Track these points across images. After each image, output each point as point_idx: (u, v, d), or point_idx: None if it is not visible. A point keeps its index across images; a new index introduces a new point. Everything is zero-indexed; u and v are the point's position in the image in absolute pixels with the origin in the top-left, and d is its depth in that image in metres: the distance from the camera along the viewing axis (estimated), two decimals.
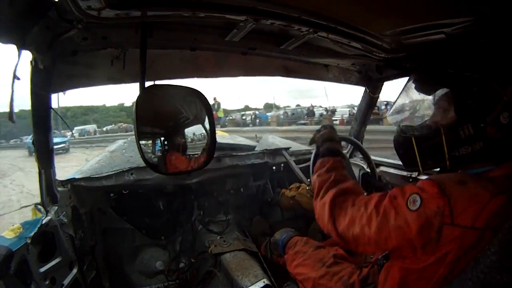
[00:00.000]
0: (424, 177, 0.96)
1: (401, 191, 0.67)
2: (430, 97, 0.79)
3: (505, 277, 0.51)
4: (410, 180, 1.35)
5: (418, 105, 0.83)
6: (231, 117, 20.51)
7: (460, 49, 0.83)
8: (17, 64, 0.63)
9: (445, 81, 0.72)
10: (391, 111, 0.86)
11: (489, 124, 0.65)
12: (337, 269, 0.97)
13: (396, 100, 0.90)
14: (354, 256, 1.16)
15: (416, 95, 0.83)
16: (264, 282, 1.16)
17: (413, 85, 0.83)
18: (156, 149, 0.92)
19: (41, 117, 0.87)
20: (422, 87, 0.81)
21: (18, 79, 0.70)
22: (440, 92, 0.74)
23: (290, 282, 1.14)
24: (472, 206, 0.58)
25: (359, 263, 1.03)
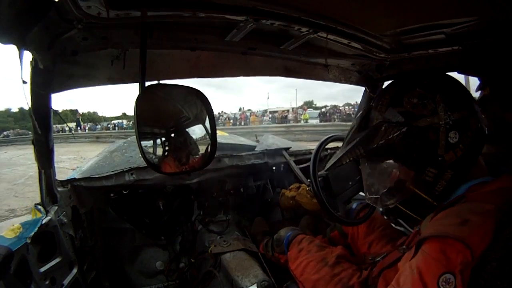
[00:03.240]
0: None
1: (424, 281, 0.59)
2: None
3: (505, 283, 0.51)
4: None
5: (378, 174, 0.80)
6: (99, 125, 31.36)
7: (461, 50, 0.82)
8: (21, 68, 0.63)
9: (383, 152, 0.71)
10: (366, 194, 0.83)
11: (444, 154, 0.65)
12: (338, 270, 0.97)
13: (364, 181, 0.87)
14: (356, 257, 1.16)
15: (372, 169, 0.81)
16: (264, 282, 1.16)
17: (365, 163, 0.81)
18: (157, 149, 0.92)
19: (41, 117, 0.87)
20: (372, 164, 0.78)
21: (25, 83, 0.71)
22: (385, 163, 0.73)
23: (290, 282, 1.13)
24: (484, 237, 0.56)
25: (360, 263, 1.03)
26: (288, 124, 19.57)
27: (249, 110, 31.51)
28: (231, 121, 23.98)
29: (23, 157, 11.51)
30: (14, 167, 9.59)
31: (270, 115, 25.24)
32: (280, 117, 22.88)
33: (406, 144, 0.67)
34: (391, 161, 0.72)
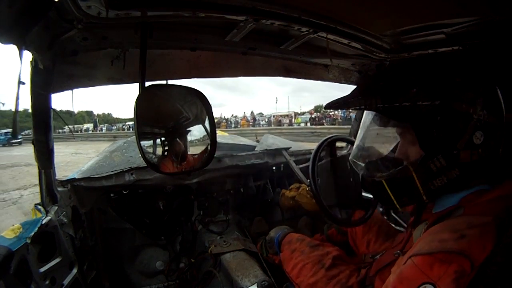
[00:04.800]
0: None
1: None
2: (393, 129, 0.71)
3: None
4: None
5: (382, 138, 0.74)
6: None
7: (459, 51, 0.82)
8: (20, 68, 0.63)
9: (402, 115, 0.64)
10: (352, 150, 0.76)
11: (461, 150, 0.60)
12: (336, 272, 0.96)
13: (358, 135, 0.80)
14: (353, 257, 1.15)
15: (377, 128, 0.75)
16: (264, 282, 1.16)
17: (371, 119, 0.75)
18: (157, 149, 0.92)
19: (41, 117, 0.87)
20: (381, 122, 0.72)
21: (23, 83, 0.68)
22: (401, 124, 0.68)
23: (290, 283, 1.13)
24: (485, 248, 0.55)
25: (358, 264, 1.03)
26: (269, 127, 22.71)
27: (260, 113, 34.43)
28: (232, 124, 27.30)
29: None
30: None
31: (267, 119, 28.52)
32: (275, 121, 25.96)
33: (432, 118, 0.60)
34: (405, 128, 0.65)
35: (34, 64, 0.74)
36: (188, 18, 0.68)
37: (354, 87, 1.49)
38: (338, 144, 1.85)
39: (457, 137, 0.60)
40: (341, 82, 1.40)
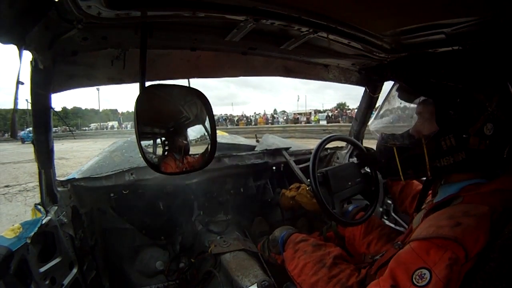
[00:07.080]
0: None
1: (398, 275, 0.60)
2: (414, 105, 0.78)
3: (504, 284, 0.51)
4: None
5: (401, 113, 0.83)
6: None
7: (459, 50, 0.82)
8: (19, 68, 0.62)
9: (427, 90, 0.71)
10: (373, 118, 0.85)
11: (472, 135, 0.64)
12: (336, 271, 0.96)
13: (380, 107, 0.89)
14: (354, 257, 1.16)
15: (400, 103, 0.84)
16: (264, 282, 1.16)
17: (396, 93, 0.82)
18: (157, 149, 0.92)
19: (41, 117, 0.87)
20: (405, 96, 0.80)
21: (22, 83, 0.68)
22: (422, 100, 0.74)
23: (290, 283, 1.13)
24: (479, 238, 0.57)
25: (359, 263, 1.03)
26: (284, 125, 23.76)
27: (282, 111, 36.41)
28: (253, 122, 29.15)
29: (80, 147, 15.78)
30: (78, 152, 12.92)
31: (285, 117, 30.53)
32: (293, 119, 27.74)
33: (452, 98, 0.66)
34: (426, 105, 0.71)
35: (34, 64, 0.73)
36: (188, 18, 0.68)
37: (355, 87, 1.49)
38: (338, 143, 1.86)
39: (470, 122, 0.65)
40: (341, 82, 1.40)
